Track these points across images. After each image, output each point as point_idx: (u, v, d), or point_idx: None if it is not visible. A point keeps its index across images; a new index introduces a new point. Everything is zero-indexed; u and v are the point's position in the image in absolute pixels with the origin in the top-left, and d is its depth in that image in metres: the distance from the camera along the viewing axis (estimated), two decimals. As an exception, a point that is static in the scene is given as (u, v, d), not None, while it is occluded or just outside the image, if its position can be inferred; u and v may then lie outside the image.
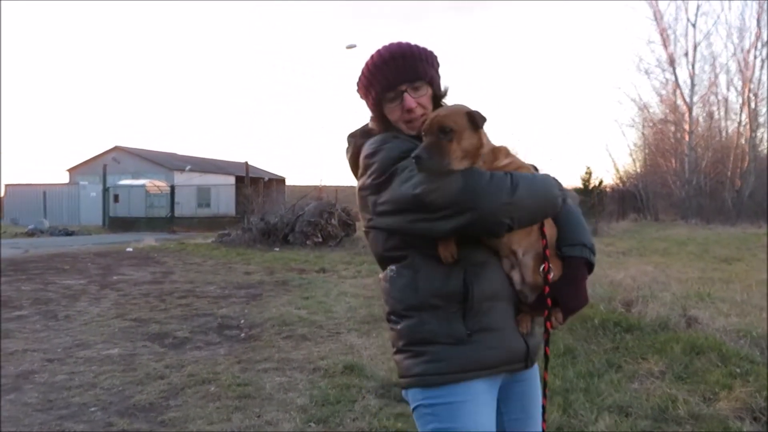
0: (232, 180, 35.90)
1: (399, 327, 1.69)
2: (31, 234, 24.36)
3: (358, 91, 1.86)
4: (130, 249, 16.25)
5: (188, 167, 36.65)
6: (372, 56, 1.79)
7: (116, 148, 38.98)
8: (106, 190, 30.61)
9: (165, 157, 39.55)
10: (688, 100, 31.38)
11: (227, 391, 4.40)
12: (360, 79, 1.82)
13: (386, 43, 1.82)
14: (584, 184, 25.33)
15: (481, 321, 1.62)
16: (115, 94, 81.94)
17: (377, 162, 1.67)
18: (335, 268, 11.85)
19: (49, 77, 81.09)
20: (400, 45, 1.78)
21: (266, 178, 26.98)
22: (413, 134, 1.73)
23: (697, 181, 30.35)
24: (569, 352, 4.92)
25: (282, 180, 40.94)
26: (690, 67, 31.10)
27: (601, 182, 26.25)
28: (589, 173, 25.40)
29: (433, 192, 1.53)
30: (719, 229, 22.79)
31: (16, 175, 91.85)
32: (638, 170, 36.43)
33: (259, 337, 6.11)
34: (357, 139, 1.83)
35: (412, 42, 1.80)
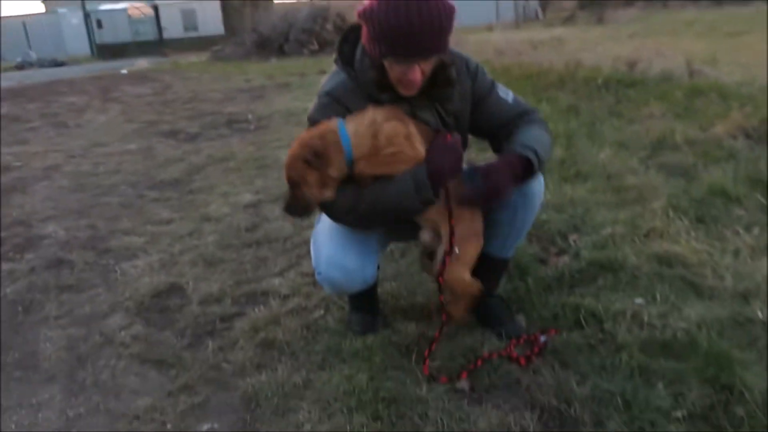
0: (216, -2, 33.75)
1: None
2: (20, 67, 23.73)
3: (359, 21, 1.60)
4: (124, 71, 15.93)
5: (168, -14, 34.24)
6: (387, 11, 1.48)
7: (89, -28, 36.18)
8: (87, 16, 29.13)
9: (142, -22, 36.76)
10: None
11: (245, 164, 4.64)
12: (370, 19, 1.53)
13: None
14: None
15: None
16: None
17: (312, 109, 1.76)
18: (335, 69, 11.65)
19: None
20: (421, 14, 1.45)
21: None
22: (406, 94, 1.65)
23: (712, -41, 28.29)
24: (572, 109, 5.02)
25: (269, -6, 38.44)
26: None
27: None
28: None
29: None
30: (731, 9, 21.71)
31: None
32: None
33: (267, 126, 6.27)
34: (340, 47, 1.74)
35: None
